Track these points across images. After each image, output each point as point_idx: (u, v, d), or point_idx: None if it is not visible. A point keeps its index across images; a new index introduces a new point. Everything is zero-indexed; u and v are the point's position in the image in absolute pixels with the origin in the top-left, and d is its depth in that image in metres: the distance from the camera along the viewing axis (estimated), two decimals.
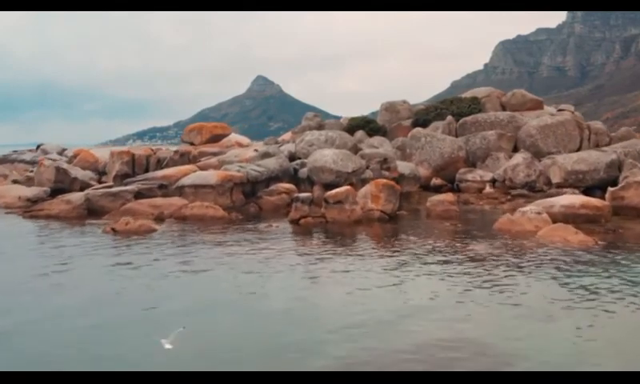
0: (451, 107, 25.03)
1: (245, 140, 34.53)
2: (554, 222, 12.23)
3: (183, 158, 19.00)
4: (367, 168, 17.52)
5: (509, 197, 17.59)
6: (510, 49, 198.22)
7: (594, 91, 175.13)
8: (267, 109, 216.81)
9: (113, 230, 11.90)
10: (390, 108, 25.80)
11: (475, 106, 25.27)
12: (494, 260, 9.28)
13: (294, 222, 13.17)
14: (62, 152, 35.28)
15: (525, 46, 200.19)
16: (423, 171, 20.50)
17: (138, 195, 15.52)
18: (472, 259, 9.39)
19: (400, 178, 18.20)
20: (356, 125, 24.11)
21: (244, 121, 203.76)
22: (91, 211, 14.72)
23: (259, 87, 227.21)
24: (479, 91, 27.10)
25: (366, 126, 24.19)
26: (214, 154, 25.80)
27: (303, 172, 17.77)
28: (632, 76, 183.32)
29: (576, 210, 13.20)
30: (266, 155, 18.57)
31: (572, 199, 13.65)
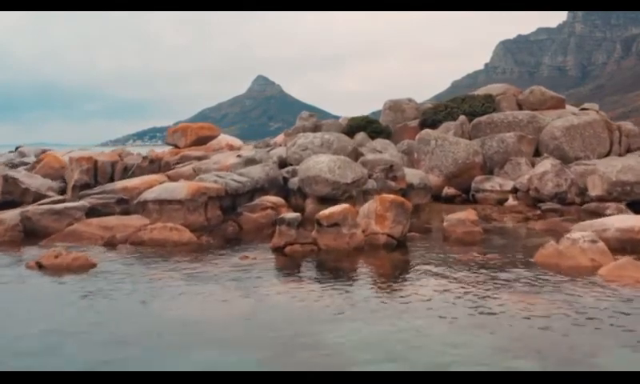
0: (463, 106, 22.07)
1: (237, 141, 31.63)
2: (610, 250, 9.30)
3: (153, 166, 15.95)
4: (370, 177, 14.56)
5: (538, 212, 14.61)
6: (510, 49, 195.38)
7: (594, 91, 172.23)
8: (268, 109, 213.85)
9: (38, 265, 8.94)
10: (394, 107, 22.83)
11: (489, 104, 22.31)
12: (556, 320, 6.31)
13: (278, 251, 10.20)
14: (40, 154, 32.38)
15: (525, 45, 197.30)
16: (433, 179, 17.54)
17: (92, 212, 12.55)
18: (526, 320, 6.42)
19: (408, 189, 15.26)
20: (356, 126, 21.14)
21: (244, 121, 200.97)
22: (30, 233, 11.73)
23: (259, 87, 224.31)
24: (493, 88, 24.11)
25: (368, 126, 21.23)
26: (199, 159, 22.93)
27: (294, 182, 14.81)
28: (633, 76, 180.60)
29: (635, 234, 10.22)
30: (250, 162, 15.59)
31: (629, 221, 10.66)
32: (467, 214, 11.86)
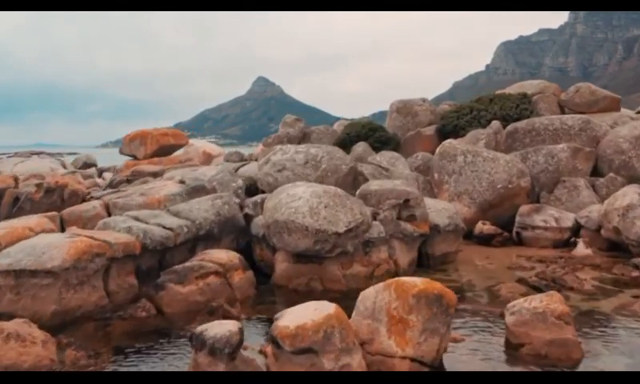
0: (492, 108, 16.76)
1: (215, 149, 26.43)
2: None
3: (50, 198, 10.45)
4: (375, 217, 9.25)
5: (635, 273, 9.27)
6: (511, 49, 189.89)
7: None
8: (268, 110, 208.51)
9: None
10: (404, 109, 17.47)
11: (526, 106, 17.03)
12: None
13: None
14: None
15: (527, 46, 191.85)
16: (462, 209, 12.29)
17: None
18: None
19: (432, 233, 9.97)
20: (356, 134, 15.83)
21: (245, 122, 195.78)
22: None
23: (260, 88, 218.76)
24: (527, 85, 18.75)
25: (370, 135, 15.91)
26: (154, 175, 17.72)
27: (259, 224, 9.50)
28: (635, 77, 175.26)
29: None
30: (197, 191, 10.28)
31: None
32: (549, 299, 6.51)
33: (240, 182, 11.71)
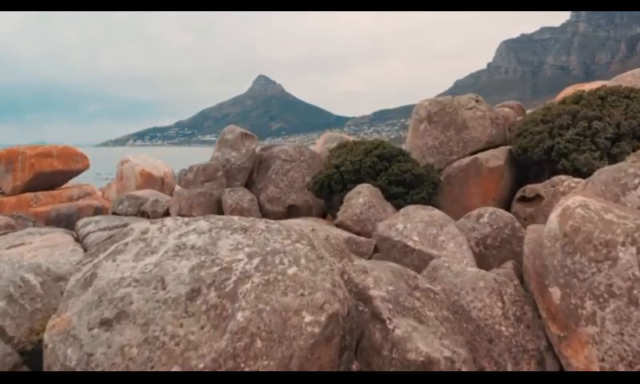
0: (609, 112, 8.56)
1: (159, 168, 18.23)
2: None
3: None
4: None
5: None
6: (513, 48, 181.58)
7: None
8: (269, 109, 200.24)
9: None
10: (442, 116, 9.24)
11: None
12: None
13: None
14: None
15: (529, 45, 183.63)
16: (603, 358, 4.00)
17: None
18: None
19: None
20: (352, 168, 7.69)
21: (245, 121, 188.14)
22: None
23: (260, 87, 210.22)
24: None
25: (383, 169, 7.77)
26: None
27: None
28: None
29: None
30: None
31: None
32: None
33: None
